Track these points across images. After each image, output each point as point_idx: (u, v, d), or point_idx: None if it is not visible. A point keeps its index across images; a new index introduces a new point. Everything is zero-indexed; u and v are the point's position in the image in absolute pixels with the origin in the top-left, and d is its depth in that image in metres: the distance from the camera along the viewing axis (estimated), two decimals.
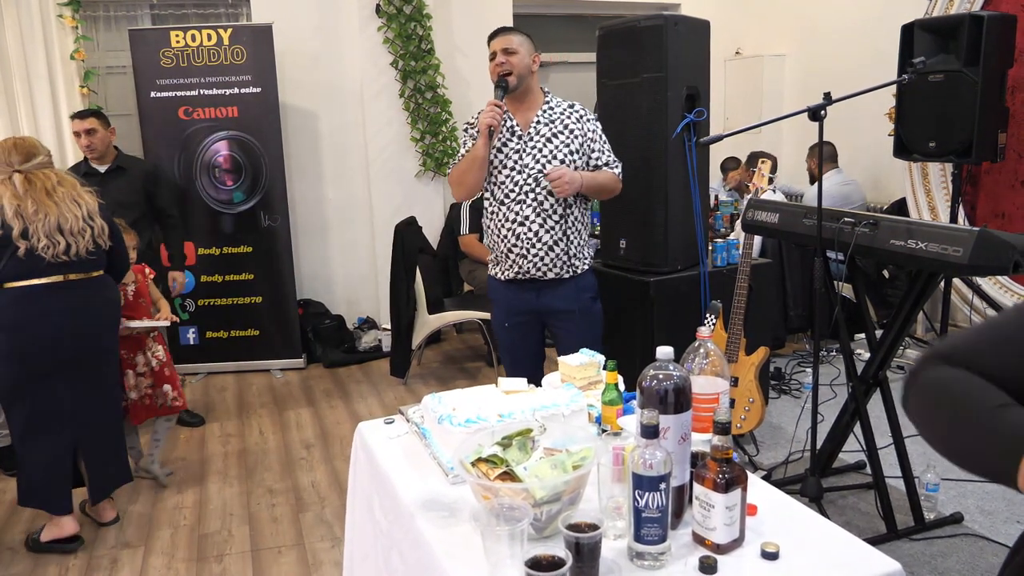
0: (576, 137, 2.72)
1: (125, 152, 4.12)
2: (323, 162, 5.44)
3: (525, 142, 2.71)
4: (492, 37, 2.80)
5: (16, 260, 2.70)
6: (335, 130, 5.40)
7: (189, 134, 4.77)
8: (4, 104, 4.57)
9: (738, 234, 3.73)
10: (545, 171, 2.65)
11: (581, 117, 2.76)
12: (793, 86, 6.15)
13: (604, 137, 2.82)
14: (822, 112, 2.56)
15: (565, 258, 2.75)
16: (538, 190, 2.68)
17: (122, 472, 3.12)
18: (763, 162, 3.36)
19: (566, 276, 2.77)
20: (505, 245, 2.75)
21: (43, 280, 2.75)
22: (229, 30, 4.74)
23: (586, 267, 2.83)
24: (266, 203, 4.91)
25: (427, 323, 4.68)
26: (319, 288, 5.52)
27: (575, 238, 2.77)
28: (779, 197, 4.74)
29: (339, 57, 5.29)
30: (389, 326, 4.87)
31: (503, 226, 2.74)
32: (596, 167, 2.76)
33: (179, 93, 4.72)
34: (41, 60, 4.57)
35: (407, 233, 4.64)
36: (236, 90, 4.77)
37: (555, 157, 2.69)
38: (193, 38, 4.69)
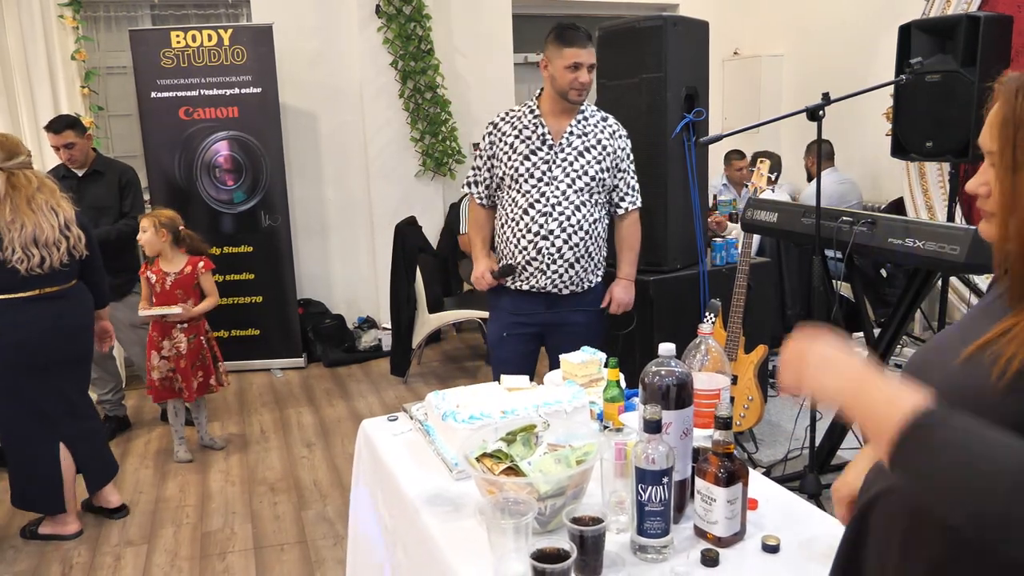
0: (608, 154, 2.66)
1: (122, 152, 4.11)
2: (323, 162, 5.45)
3: (556, 153, 2.61)
4: (575, 42, 2.53)
5: None
6: (335, 130, 5.41)
7: (190, 134, 4.78)
8: (5, 104, 4.58)
9: (737, 233, 3.75)
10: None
11: (614, 133, 2.69)
12: (791, 86, 6.17)
13: (631, 158, 2.76)
14: (820, 112, 2.58)
15: (583, 274, 2.68)
16: (565, 204, 2.59)
17: (108, 467, 3.16)
18: (762, 162, 3.37)
19: (579, 291, 2.71)
20: (524, 257, 2.64)
21: (17, 295, 2.73)
22: (229, 30, 4.75)
23: (599, 279, 2.77)
24: (266, 203, 4.93)
25: (427, 322, 4.70)
26: (319, 288, 5.53)
27: (596, 255, 2.70)
28: (784, 196, 4.78)
29: (339, 57, 5.30)
30: (389, 325, 4.88)
31: (524, 237, 2.63)
32: (616, 192, 2.72)
33: (179, 93, 4.73)
34: (42, 61, 4.58)
35: (408, 232, 4.65)
36: (236, 90, 4.78)
37: (586, 173, 2.61)
38: (193, 38, 4.70)
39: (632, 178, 2.77)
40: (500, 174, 2.68)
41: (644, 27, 3.25)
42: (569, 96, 2.57)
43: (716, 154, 5.32)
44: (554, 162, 2.60)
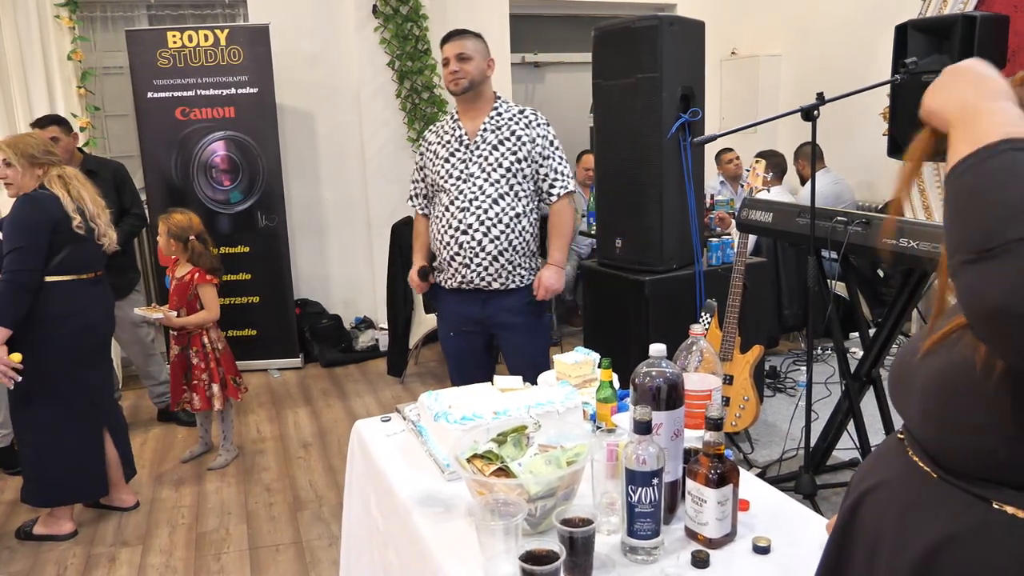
0: (524, 144, 2.71)
1: (119, 152, 4.11)
2: (320, 162, 5.45)
3: (472, 151, 2.71)
4: (445, 41, 2.73)
5: (72, 255, 2.83)
6: (332, 130, 5.41)
7: (186, 134, 4.77)
8: (1, 105, 4.57)
9: (733, 232, 3.75)
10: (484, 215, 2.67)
11: (531, 123, 2.74)
12: (789, 86, 6.17)
13: (557, 144, 2.78)
14: (815, 112, 2.58)
15: (510, 268, 2.73)
16: (482, 198, 2.67)
17: (132, 460, 3.27)
18: (757, 162, 3.37)
19: (511, 287, 2.75)
20: (448, 253, 2.73)
21: (84, 276, 2.89)
22: (226, 31, 4.75)
23: (534, 277, 2.80)
24: (263, 203, 4.92)
25: (424, 322, 4.69)
26: (316, 288, 5.53)
27: (522, 248, 2.74)
28: (786, 196, 4.78)
29: (336, 57, 5.30)
30: (386, 326, 4.89)
31: (446, 233, 2.71)
32: (545, 181, 2.76)
33: (176, 93, 4.73)
34: (38, 61, 4.58)
35: (405, 232, 4.64)
36: (233, 90, 4.77)
37: (500, 165, 2.68)
38: (190, 39, 4.69)
39: (559, 163, 2.78)
40: (431, 182, 2.81)
41: (640, 27, 3.25)
42: (449, 88, 2.73)
43: (712, 155, 5.33)
44: (471, 159, 2.70)
